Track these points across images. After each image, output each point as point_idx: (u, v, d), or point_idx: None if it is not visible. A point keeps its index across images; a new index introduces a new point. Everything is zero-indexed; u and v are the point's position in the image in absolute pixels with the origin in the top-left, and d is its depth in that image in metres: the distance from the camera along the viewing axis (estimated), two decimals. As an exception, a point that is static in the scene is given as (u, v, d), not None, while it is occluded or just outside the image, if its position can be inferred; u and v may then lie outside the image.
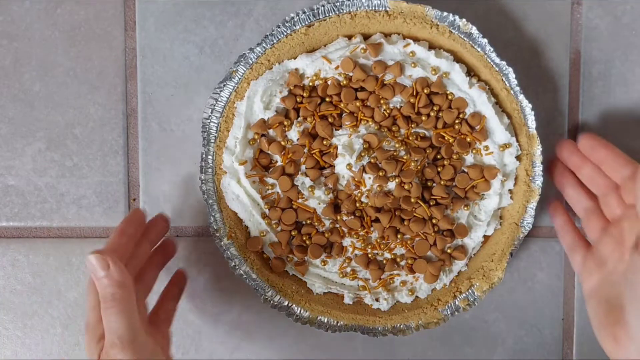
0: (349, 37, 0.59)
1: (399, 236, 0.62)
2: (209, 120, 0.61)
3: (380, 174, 0.60)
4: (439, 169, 0.62)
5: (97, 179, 0.59)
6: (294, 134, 0.61)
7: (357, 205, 0.62)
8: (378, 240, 0.63)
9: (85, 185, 0.59)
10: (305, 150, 0.61)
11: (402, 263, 0.63)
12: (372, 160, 0.60)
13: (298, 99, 0.60)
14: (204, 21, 0.59)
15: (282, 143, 0.61)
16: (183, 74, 0.61)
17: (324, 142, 0.61)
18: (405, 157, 0.61)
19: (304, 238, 0.62)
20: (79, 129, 0.59)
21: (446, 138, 0.61)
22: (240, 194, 0.62)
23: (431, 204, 0.62)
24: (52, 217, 0.59)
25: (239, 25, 0.59)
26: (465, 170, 0.62)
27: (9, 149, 0.57)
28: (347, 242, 0.63)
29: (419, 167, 0.61)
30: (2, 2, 0.55)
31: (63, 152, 0.58)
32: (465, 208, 0.62)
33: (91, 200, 0.60)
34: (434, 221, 0.62)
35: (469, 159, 0.62)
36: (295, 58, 0.59)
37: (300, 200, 0.62)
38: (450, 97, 0.61)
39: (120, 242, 0.50)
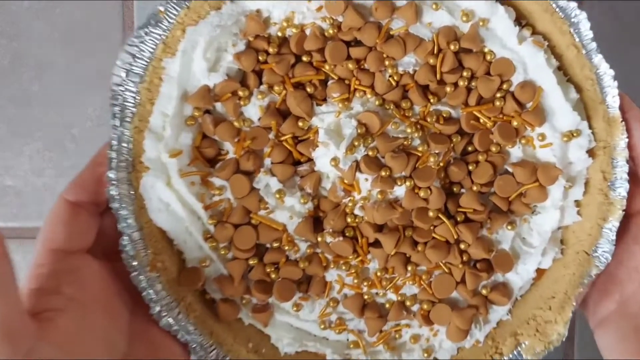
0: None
1: (409, 268, 0.57)
2: (122, 88, 0.54)
3: (383, 173, 0.54)
4: (470, 168, 0.56)
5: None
6: (253, 110, 0.56)
7: (348, 220, 0.56)
8: (378, 274, 0.57)
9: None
10: (271, 135, 0.55)
11: (414, 308, 0.58)
12: (370, 153, 0.54)
13: (261, 57, 0.54)
14: None
15: (236, 124, 0.55)
16: None
17: (300, 124, 0.55)
18: (420, 149, 0.55)
19: (268, 270, 0.56)
20: (77, 129, 0.70)
21: (482, 121, 0.55)
22: (172, 202, 0.55)
23: (459, 220, 0.56)
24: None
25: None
26: (511, 170, 0.56)
27: (7, 149, 0.68)
28: (332, 275, 0.58)
29: (440, 164, 0.55)
30: (1, 1, 0.67)
31: (61, 152, 0.69)
32: (510, 227, 0.57)
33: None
34: (462, 246, 0.56)
35: (516, 152, 0.56)
36: (256, -7, 0.48)
37: (262, 213, 0.56)
38: (489, 58, 0.55)
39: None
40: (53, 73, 0.69)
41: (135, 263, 0.56)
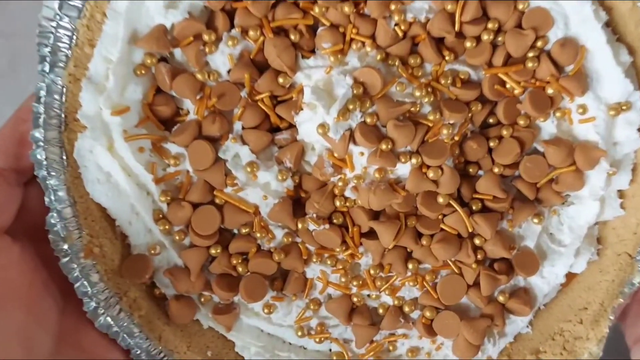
0: None
1: (410, 266, 0.53)
2: (54, 24, 0.48)
3: (384, 146, 0.48)
4: (491, 144, 0.51)
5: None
6: (222, 59, 0.50)
7: (337, 204, 0.51)
8: (372, 272, 0.53)
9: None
10: (244, 93, 0.50)
11: (414, 315, 0.54)
12: (368, 120, 0.49)
13: None
14: None
15: (199, 76, 0.50)
16: None
17: (280, 80, 0.50)
18: (431, 118, 0.49)
19: (235, 262, 0.52)
20: None
21: (508, 86, 0.50)
22: (114, 172, 0.50)
23: (474, 208, 0.52)
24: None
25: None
26: (541, 149, 0.52)
27: None
28: (314, 271, 0.54)
29: (455, 139, 0.50)
30: (1, 1, 0.66)
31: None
32: (536, 220, 0.52)
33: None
34: (477, 242, 0.51)
35: (549, 128, 0.52)
36: None
37: (229, 190, 0.51)
38: (521, 7, 0.49)
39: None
40: None
41: (65, 247, 0.50)
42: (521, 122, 0.51)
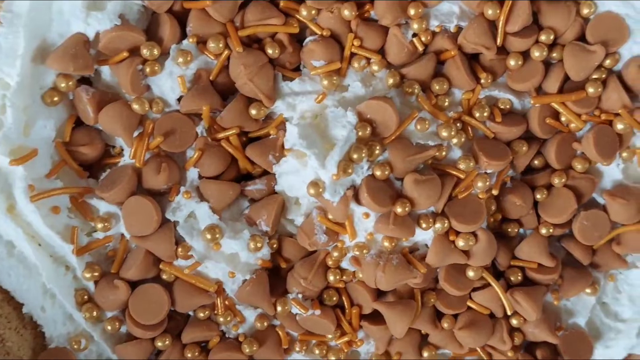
0: None
1: (426, 354, 0.45)
2: None
3: (399, 209, 0.41)
4: (537, 197, 0.44)
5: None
6: (169, 83, 0.42)
7: (332, 278, 0.44)
8: None
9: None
10: (200, 128, 0.42)
11: None
12: (377, 173, 0.41)
13: None
14: None
15: (136, 107, 0.41)
16: None
17: (253, 112, 0.42)
18: (463, 167, 0.42)
19: (189, 355, 0.44)
20: None
21: (564, 119, 0.43)
22: (18, 242, 0.42)
23: (512, 280, 0.45)
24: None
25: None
26: (601, 201, 0.45)
27: None
28: None
29: (493, 193, 0.43)
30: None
31: None
32: (590, 291, 0.46)
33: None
34: (514, 322, 0.45)
35: (613, 172, 0.46)
36: None
37: (182, 263, 0.42)
38: (586, 12, 0.43)
39: None
40: None
41: None
42: (578, 166, 0.44)
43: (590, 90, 0.41)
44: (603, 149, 0.42)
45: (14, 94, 0.39)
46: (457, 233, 0.41)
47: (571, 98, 0.41)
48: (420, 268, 0.41)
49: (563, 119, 0.42)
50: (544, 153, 0.43)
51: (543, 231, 0.43)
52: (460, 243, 0.41)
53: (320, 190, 0.39)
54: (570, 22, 0.41)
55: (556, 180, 0.43)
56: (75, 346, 0.42)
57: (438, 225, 0.40)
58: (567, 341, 0.46)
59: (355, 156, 0.38)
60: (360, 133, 0.39)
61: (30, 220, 0.41)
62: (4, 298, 0.42)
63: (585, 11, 0.41)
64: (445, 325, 0.43)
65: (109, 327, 0.42)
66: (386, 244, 0.41)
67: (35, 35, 0.40)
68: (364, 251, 0.41)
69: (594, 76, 0.42)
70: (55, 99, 0.40)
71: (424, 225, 0.40)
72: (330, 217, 0.41)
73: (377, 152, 0.39)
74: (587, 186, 0.43)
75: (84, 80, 0.41)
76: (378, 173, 0.39)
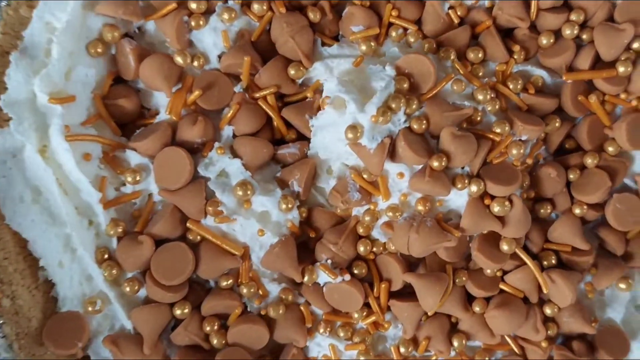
0: None
1: (455, 343, 0.45)
2: None
3: (435, 163, 0.42)
4: (570, 177, 0.45)
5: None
6: (212, 38, 0.44)
7: (362, 249, 0.44)
8: (401, 349, 0.45)
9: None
10: (239, 87, 0.43)
11: None
12: (415, 126, 0.42)
13: None
14: None
15: (179, 59, 0.43)
16: None
17: (292, 72, 0.43)
18: (498, 130, 0.43)
19: (208, 328, 0.44)
20: None
21: (593, 100, 0.44)
22: (47, 187, 0.42)
23: (545, 263, 0.45)
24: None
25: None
26: (634, 185, 0.46)
27: None
28: (319, 346, 0.45)
29: (528, 162, 0.44)
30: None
31: None
32: (623, 285, 0.46)
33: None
34: (548, 311, 0.45)
35: None
36: None
37: (210, 222, 0.43)
38: None
39: None
40: None
41: None
42: (610, 148, 0.45)
43: (621, 69, 0.44)
44: (635, 138, 0.44)
45: (60, 36, 0.41)
46: (492, 198, 0.42)
47: (602, 75, 0.44)
48: (454, 232, 0.42)
49: (592, 100, 0.43)
50: (575, 136, 0.45)
51: (577, 211, 0.44)
52: (496, 208, 0.42)
53: (359, 134, 0.40)
54: (599, 2, 0.43)
55: (589, 161, 0.45)
56: (90, 308, 0.42)
57: (474, 186, 0.42)
58: (604, 336, 0.45)
59: (393, 105, 0.41)
60: (398, 85, 0.41)
61: (61, 162, 0.41)
62: (21, 252, 0.42)
63: None
64: (477, 309, 0.44)
65: (128, 289, 0.42)
66: (420, 207, 0.42)
67: None
68: (397, 214, 0.42)
69: (624, 56, 0.44)
70: (99, 49, 0.42)
71: (459, 185, 0.42)
72: (364, 176, 0.42)
73: (414, 106, 0.41)
74: (620, 168, 0.45)
75: (128, 35, 0.43)
76: (415, 126, 0.41)
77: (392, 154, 0.42)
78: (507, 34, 0.45)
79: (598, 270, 0.45)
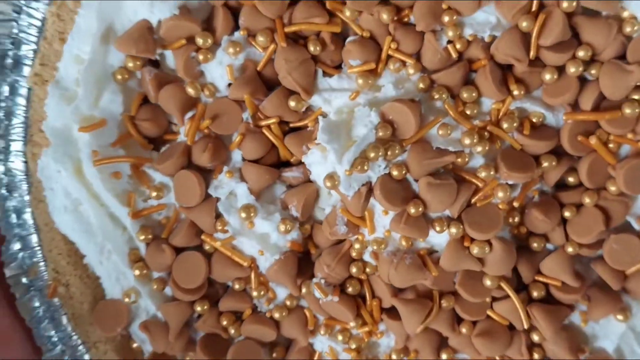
0: None
1: (444, 356, 0.49)
2: (17, 8, 0.46)
3: (412, 210, 0.44)
4: (566, 214, 0.46)
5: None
6: (219, 70, 0.47)
7: (354, 270, 0.48)
8: (393, 357, 0.49)
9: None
10: (246, 115, 0.47)
11: None
12: (394, 173, 0.44)
13: None
14: None
15: (191, 90, 0.47)
16: None
17: (293, 103, 0.46)
18: (483, 175, 0.45)
19: (225, 322, 0.50)
20: None
21: (594, 142, 0.44)
22: (83, 200, 0.48)
23: (534, 295, 0.47)
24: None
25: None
26: (636, 226, 0.46)
27: None
28: (321, 344, 0.50)
29: (515, 205, 0.46)
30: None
31: None
32: (621, 317, 0.47)
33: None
34: (535, 337, 0.47)
35: None
36: None
37: (221, 236, 0.48)
38: (628, 30, 0.43)
39: None
40: None
41: (25, 280, 0.49)
42: (612, 188, 0.45)
43: (627, 110, 0.43)
44: (633, 185, 0.43)
45: (87, 68, 0.46)
46: (472, 240, 0.44)
47: (604, 117, 0.43)
48: (432, 271, 0.45)
49: (593, 142, 0.43)
50: (577, 170, 0.45)
51: (569, 249, 0.46)
52: (475, 250, 0.44)
53: (336, 183, 0.43)
54: (610, 39, 0.43)
55: (587, 200, 0.45)
56: (127, 299, 0.50)
57: (453, 229, 0.44)
58: None
59: (371, 155, 0.43)
60: (380, 133, 0.43)
61: (92, 182, 0.47)
62: (72, 248, 0.49)
63: (627, 29, 0.43)
64: (463, 330, 0.47)
65: (155, 287, 0.49)
66: (403, 242, 0.45)
67: (106, 19, 0.46)
68: (382, 246, 0.46)
69: (633, 96, 0.43)
70: (125, 77, 0.47)
71: (437, 228, 0.44)
72: (351, 211, 0.45)
73: (396, 152, 0.43)
74: (619, 209, 0.45)
75: (152, 62, 0.47)
76: (395, 173, 0.44)
77: (373, 197, 0.44)
78: (507, 69, 0.44)
79: (591, 302, 0.46)
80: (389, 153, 0.43)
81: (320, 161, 0.45)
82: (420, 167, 0.43)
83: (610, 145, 0.44)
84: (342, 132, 0.44)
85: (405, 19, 0.45)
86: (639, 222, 0.45)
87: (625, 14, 0.43)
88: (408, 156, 0.43)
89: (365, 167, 0.43)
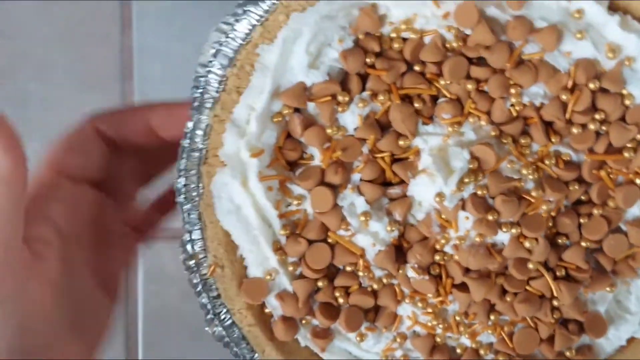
0: (476, -27, 0.51)
1: (492, 317, 0.58)
2: (208, 70, 0.54)
3: (490, 217, 0.55)
4: (581, 220, 0.57)
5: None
6: (351, 118, 0.55)
7: (437, 258, 0.57)
8: (457, 318, 0.58)
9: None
10: (366, 149, 0.55)
11: (488, 358, 0.59)
12: (479, 192, 0.55)
13: (369, 60, 0.54)
14: (200, 20, 0.72)
15: (329, 130, 0.55)
16: (180, 74, 0.65)
17: (400, 142, 0.55)
18: (534, 194, 0.55)
19: (338, 294, 0.58)
20: None
21: (602, 174, 0.56)
22: (244, 206, 0.56)
23: (557, 274, 0.57)
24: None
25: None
26: (625, 228, 0.57)
27: None
28: (405, 310, 0.59)
29: (552, 214, 0.56)
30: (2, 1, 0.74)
31: None
32: (609, 289, 0.58)
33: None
34: (555, 303, 0.57)
35: (634, 210, 0.57)
36: (376, -14, 0.51)
37: (342, 233, 0.57)
38: (627, 103, 0.54)
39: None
40: (50, 73, 0.76)
41: (192, 263, 0.60)
42: (611, 204, 0.57)
43: (625, 154, 0.57)
44: (627, 201, 0.57)
45: (258, 115, 0.56)
46: (525, 237, 0.57)
47: (611, 158, 0.57)
48: (497, 257, 0.58)
49: (602, 174, 0.57)
50: (589, 192, 0.58)
51: (583, 244, 0.59)
52: (527, 244, 0.57)
53: (443, 199, 0.56)
54: (616, 108, 0.55)
55: (595, 212, 0.58)
56: (268, 277, 0.59)
57: (514, 230, 0.57)
58: (590, 321, 0.59)
59: (466, 180, 0.56)
60: (471, 165, 0.56)
61: (255, 193, 0.57)
62: (227, 240, 0.59)
63: (627, 102, 0.55)
64: (508, 299, 0.59)
65: (291, 268, 0.59)
66: (477, 239, 0.57)
67: (275, 79, 0.55)
68: (462, 242, 0.58)
69: (629, 145, 0.56)
70: (279, 119, 0.57)
71: (504, 229, 0.57)
72: (443, 216, 0.57)
73: (479, 178, 0.56)
74: (616, 217, 0.58)
75: (296, 109, 0.57)
76: (479, 192, 0.56)
77: (464, 208, 0.57)
78: (549, 124, 0.57)
79: (593, 280, 0.59)
80: (475, 179, 0.56)
81: (426, 184, 0.56)
82: (496, 189, 0.56)
83: (611, 176, 0.57)
84: (442, 164, 0.56)
85: (482, 88, 0.56)
86: (626, 225, 0.58)
87: (625, 92, 0.54)
88: (488, 181, 0.56)
89: (462, 188, 0.56)
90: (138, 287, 0.74)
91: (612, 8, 0.52)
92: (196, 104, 0.57)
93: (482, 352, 0.62)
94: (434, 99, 0.55)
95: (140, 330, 0.73)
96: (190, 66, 0.69)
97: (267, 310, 0.62)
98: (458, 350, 0.62)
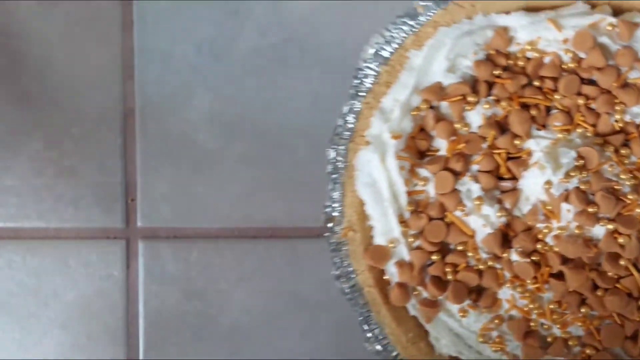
0: (592, 5, 0.60)
1: (583, 310, 0.61)
2: (366, 66, 0.62)
3: (590, 209, 0.58)
4: None
5: (95, 180, 0.73)
6: (476, 117, 0.62)
7: (538, 246, 0.61)
8: (551, 306, 0.62)
9: (83, 185, 0.73)
10: (485, 145, 0.61)
11: (575, 350, 0.62)
12: (582, 187, 0.59)
13: (496, 71, 0.61)
14: (202, 20, 0.72)
15: (456, 125, 0.62)
16: (181, 74, 0.73)
17: (516, 142, 0.61)
18: (630, 197, 0.59)
19: (447, 269, 0.62)
20: (76, 129, 0.73)
21: None
22: (380, 180, 0.62)
23: None
24: (49, 217, 0.72)
25: (238, 25, 0.72)
26: None
27: (5, 149, 0.73)
28: (505, 293, 0.63)
29: None
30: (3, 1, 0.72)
31: (60, 152, 0.73)
32: None
33: (89, 200, 0.73)
34: None
35: None
36: (508, 13, 0.60)
37: (458, 214, 0.62)
38: None
39: None
40: (50, 73, 0.73)
41: (331, 225, 0.64)
42: None
43: None
44: None
45: (401, 105, 0.61)
46: (620, 233, 0.58)
47: None
48: (593, 249, 0.59)
49: None
50: None
51: None
52: (621, 240, 0.58)
53: (551, 187, 0.59)
54: None
55: None
56: (390, 245, 0.63)
57: (610, 226, 0.58)
58: None
59: (572, 174, 0.58)
60: (576, 163, 0.58)
61: (390, 170, 0.61)
62: (360, 209, 0.63)
63: None
64: (598, 293, 0.59)
65: (411, 239, 0.62)
66: (577, 230, 0.59)
67: (418, 78, 0.61)
68: (563, 232, 0.59)
69: None
70: (416, 113, 0.62)
71: (601, 224, 0.58)
72: (548, 207, 0.60)
73: (584, 175, 0.58)
74: None
75: (431, 106, 0.62)
76: (582, 187, 0.58)
77: (567, 200, 0.61)
78: None
79: None
80: (580, 175, 0.58)
81: (536, 176, 0.60)
82: (597, 185, 0.58)
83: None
84: (552, 160, 0.59)
85: (590, 105, 0.60)
86: None
87: None
88: (591, 179, 0.58)
89: (568, 180, 0.58)
90: (139, 287, 0.71)
91: (615, 12, 0.59)
92: (352, 91, 0.67)
93: (570, 343, 0.64)
94: (548, 109, 0.61)
95: (141, 331, 0.70)
96: (190, 66, 0.74)
97: (385, 277, 0.63)
98: (548, 339, 0.62)
